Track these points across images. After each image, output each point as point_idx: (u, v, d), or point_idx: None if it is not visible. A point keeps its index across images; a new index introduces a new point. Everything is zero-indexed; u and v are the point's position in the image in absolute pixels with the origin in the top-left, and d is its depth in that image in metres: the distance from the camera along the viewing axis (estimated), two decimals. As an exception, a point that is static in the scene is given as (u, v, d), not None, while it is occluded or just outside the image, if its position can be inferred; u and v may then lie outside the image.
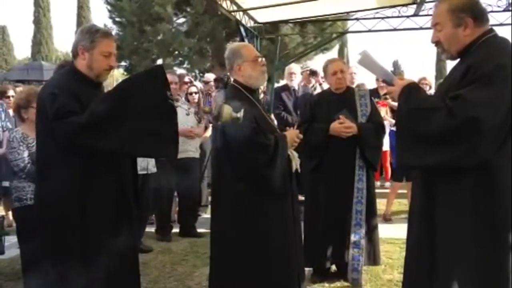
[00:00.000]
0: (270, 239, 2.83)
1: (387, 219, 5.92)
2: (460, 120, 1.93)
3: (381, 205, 6.19)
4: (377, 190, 6.79)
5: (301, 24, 12.10)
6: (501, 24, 6.62)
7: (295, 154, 3.03)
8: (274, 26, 9.37)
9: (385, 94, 6.88)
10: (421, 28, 7.06)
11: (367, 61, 2.40)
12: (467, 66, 2.06)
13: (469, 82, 1.99)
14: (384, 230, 4.97)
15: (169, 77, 5.18)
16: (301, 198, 4.27)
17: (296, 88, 6.64)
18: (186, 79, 6.93)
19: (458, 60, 2.24)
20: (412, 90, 2.20)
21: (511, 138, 1.96)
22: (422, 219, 2.17)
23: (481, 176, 1.98)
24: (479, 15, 2.14)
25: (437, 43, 2.24)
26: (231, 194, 2.85)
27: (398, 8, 7.08)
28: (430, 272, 2.08)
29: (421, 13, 6.98)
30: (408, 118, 2.14)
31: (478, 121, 1.89)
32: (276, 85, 7.97)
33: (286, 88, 6.70)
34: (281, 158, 2.83)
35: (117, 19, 16.01)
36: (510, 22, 6.61)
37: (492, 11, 6.50)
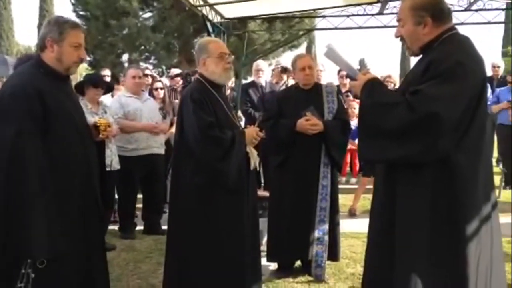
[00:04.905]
0: (223, 233, 2.87)
1: (352, 214, 5.97)
2: (419, 115, 1.96)
3: (347, 200, 6.27)
4: (342, 186, 6.92)
5: (269, 20, 12.10)
6: (462, 23, 6.82)
7: (254, 152, 3.04)
8: (242, 22, 9.34)
9: (347, 91, 6.97)
10: (385, 27, 7.21)
11: (332, 55, 2.42)
12: (428, 62, 2.09)
13: (429, 77, 2.01)
14: (348, 225, 5.04)
15: (133, 71, 5.17)
16: (266, 194, 4.28)
17: (264, 84, 6.62)
18: (147, 71, 6.76)
19: (420, 56, 2.27)
20: (374, 85, 2.21)
21: (469, 133, 2.00)
22: (383, 213, 2.19)
23: (440, 171, 2.01)
24: (439, 15, 2.16)
25: (401, 38, 2.27)
26: (188, 187, 2.87)
27: (364, 6, 7.20)
28: (390, 265, 2.10)
29: (385, 11, 7.12)
30: (369, 113, 2.16)
31: (437, 116, 1.92)
32: (244, 81, 7.95)
33: (253, 84, 6.67)
34: (237, 154, 2.85)
35: (81, 12, 15.64)
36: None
37: (454, 11, 6.69)
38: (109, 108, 4.84)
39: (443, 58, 2.05)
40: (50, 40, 2.45)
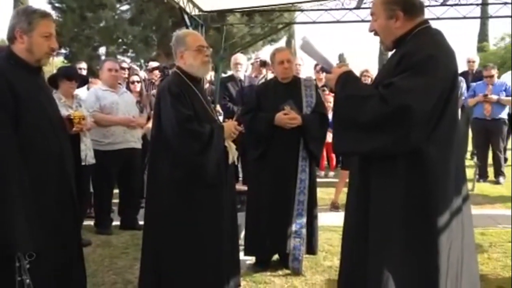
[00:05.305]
0: (201, 228, 2.85)
1: (336, 207, 5.95)
2: (392, 108, 1.97)
3: (324, 194, 6.31)
4: (321, 180, 6.97)
5: (248, 14, 12.06)
6: (438, 18, 6.91)
7: (233, 146, 3.03)
8: (220, 15, 9.28)
9: (323, 85, 6.99)
10: (362, 21, 7.25)
11: (308, 48, 2.42)
12: (400, 55, 2.11)
13: (402, 70, 2.03)
14: (326, 218, 5.07)
15: (109, 64, 5.08)
16: (244, 188, 4.27)
17: (243, 78, 6.59)
18: (124, 64, 6.66)
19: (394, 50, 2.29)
20: (348, 78, 2.22)
21: (441, 126, 2.02)
22: (358, 206, 2.20)
23: (412, 163, 2.03)
24: (410, 8, 2.16)
25: (375, 32, 2.28)
26: (165, 181, 2.84)
27: (341, 0, 7.23)
28: (365, 258, 2.12)
29: (363, 5, 7.17)
30: (343, 106, 2.17)
31: (409, 109, 1.94)
32: (223, 75, 7.91)
33: (232, 78, 6.63)
34: (215, 148, 2.83)
35: (56, 4, 15.34)
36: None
37: (429, 6, 6.77)
38: (84, 101, 4.76)
39: (415, 51, 2.06)
40: (19, 31, 2.39)
